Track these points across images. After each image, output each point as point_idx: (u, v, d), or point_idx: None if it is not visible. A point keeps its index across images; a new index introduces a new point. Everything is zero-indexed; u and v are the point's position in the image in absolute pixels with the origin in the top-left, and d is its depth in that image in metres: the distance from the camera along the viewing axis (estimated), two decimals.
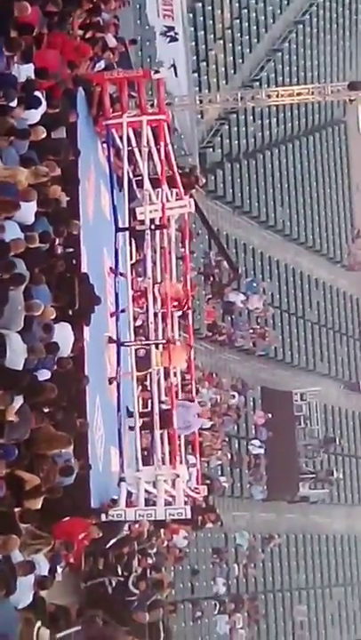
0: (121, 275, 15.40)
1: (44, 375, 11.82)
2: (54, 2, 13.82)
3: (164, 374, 16.27)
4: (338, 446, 35.56)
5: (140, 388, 16.20)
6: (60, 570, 12.32)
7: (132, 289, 16.61)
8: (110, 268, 15.64)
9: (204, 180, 23.11)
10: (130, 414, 15.17)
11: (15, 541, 10.34)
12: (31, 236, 11.61)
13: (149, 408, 15.59)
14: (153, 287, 16.22)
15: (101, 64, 16.21)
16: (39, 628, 10.83)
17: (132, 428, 15.04)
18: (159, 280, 17.07)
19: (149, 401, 15.73)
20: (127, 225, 15.67)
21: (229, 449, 28.76)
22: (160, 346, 15.74)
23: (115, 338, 15.22)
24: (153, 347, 15.44)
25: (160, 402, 15.95)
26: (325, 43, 37.61)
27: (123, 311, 15.35)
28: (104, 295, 15.01)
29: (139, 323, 17.50)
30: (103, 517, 13.87)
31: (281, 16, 35.36)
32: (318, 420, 34.14)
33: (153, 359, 15.31)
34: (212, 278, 29.38)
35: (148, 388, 15.84)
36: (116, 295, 15.37)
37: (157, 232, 16.66)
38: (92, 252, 14.66)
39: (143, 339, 16.08)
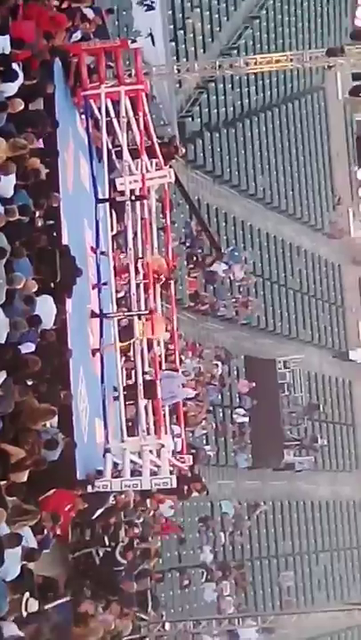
0: (102, 254, 15.31)
1: (28, 348, 11.82)
2: None
3: (148, 345, 16.27)
4: (322, 413, 35.70)
5: (124, 359, 16.20)
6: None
7: (114, 261, 16.59)
8: (92, 248, 15.56)
9: (183, 150, 23.06)
10: (114, 388, 15.15)
11: (2, 514, 10.38)
12: (11, 209, 11.59)
13: (133, 379, 15.58)
14: (135, 260, 16.20)
15: (78, 35, 16.10)
16: (28, 599, 10.89)
17: (116, 399, 15.05)
18: (141, 252, 17.02)
19: (133, 371, 15.73)
20: (107, 196, 15.63)
21: (214, 418, 28.84)
22: (143, 317, 15.70)
23: (97, 310, 15.20)
24: (135, 317, 15.42)
25: (144, 372, 15.95)
26: (303, 9, 37.39)
27: (105, 284, 15.30)
28: (85, 267, 14.98)
29: (121, 294, 17.47)
30: (89, 489, 13.91)
31: None
32: (302, 387, 34.27)
33: (136, 330, 15.29)
34: (195, 258, 29.38)
35: (132, 359, 15.84)
36: (98, 267, 15.34)
37: (138, 203, 16.60)
38: (72, 224, 14.61)
39: (126, 310, 16.06)
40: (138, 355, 15.49)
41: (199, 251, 29.46)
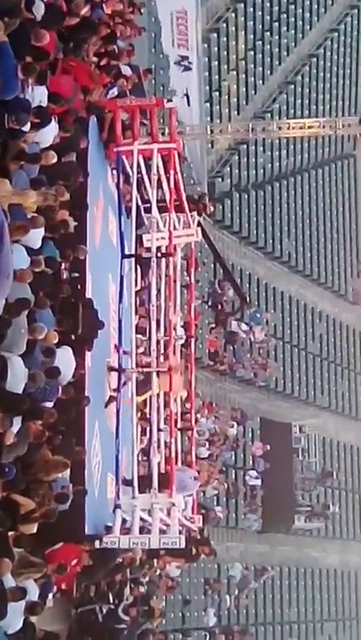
0: (125, 353, 15.15)
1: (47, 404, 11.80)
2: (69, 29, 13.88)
3: (164, 402, 16.20)
4: (335, 480, 35.46)
5: (140, 415, 16.11)
6: (50, 596, 12.27)
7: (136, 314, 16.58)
8: (115, 345, 15.44)
9: (212, 208, 23.13)
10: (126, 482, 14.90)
11: (8, 565, 10.29)
12: (37, 260, 11.62)
13: (147, 437, 15.48)
14: (157, 314, 16.16)
15: (114, 91, 16.23)
16: None
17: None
18: (163, 309, 17.01)
19: (148, 429, 15.65)
20: (133, 252, 15.65)
21: (226, 479, 28.67)
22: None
23: (116, 365, 15.15)
24: (154, 373, 15.30)
25: (159, 429, 15.89)
26: (338, 76, 37.80)
27: (125, 353, 15.17)
28: (108, 322, 14.99)
29: (141, 350, 17.42)
30: (97, 544, 13.79)
31: (295, 49, 35.57)
32: (316, 452, 34.09)
33: (153, 383, 15.14)
34: (219, 306, 29.40)
35: (148, 416, 15.74)
36: (120, 322, 15.32)
37: (163, 260, 16.64)
38: (97, 278, 14.66)
39: (144, 365, 15.99)
40: (154, 412, 15.39)
41: (224, 299, 29.40)
